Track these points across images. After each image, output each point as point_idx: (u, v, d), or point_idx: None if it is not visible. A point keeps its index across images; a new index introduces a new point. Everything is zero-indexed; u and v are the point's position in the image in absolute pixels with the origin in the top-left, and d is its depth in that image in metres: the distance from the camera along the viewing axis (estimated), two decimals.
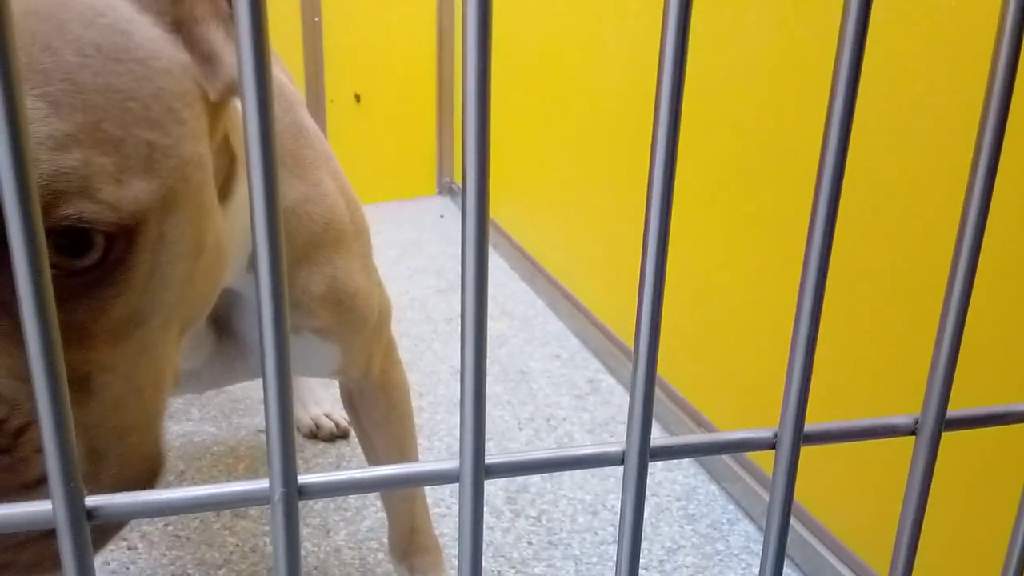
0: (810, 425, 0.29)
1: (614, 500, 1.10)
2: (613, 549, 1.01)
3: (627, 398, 1.35)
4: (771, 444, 0.29)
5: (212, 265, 0.46)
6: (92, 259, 0.37)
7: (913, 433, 0.30)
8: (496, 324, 1.65)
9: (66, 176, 0.35)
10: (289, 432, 0.23)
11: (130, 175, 0.38)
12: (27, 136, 0.19)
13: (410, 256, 2.05)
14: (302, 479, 0.24)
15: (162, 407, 0.44)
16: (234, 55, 0.45)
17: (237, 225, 0.53)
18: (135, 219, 0.38)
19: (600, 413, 1.31)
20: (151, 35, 0.42)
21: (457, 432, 1.25)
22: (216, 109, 0.46)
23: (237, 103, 0.50)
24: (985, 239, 0.28)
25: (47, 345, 0.21)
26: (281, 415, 0.23)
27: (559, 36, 1.65)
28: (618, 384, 1.41)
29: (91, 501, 0.23)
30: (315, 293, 0.62)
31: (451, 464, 0.26)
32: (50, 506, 0.22)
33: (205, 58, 0.44)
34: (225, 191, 0.51)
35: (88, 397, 0.39)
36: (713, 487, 1.13)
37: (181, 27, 0.44)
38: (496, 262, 2.03)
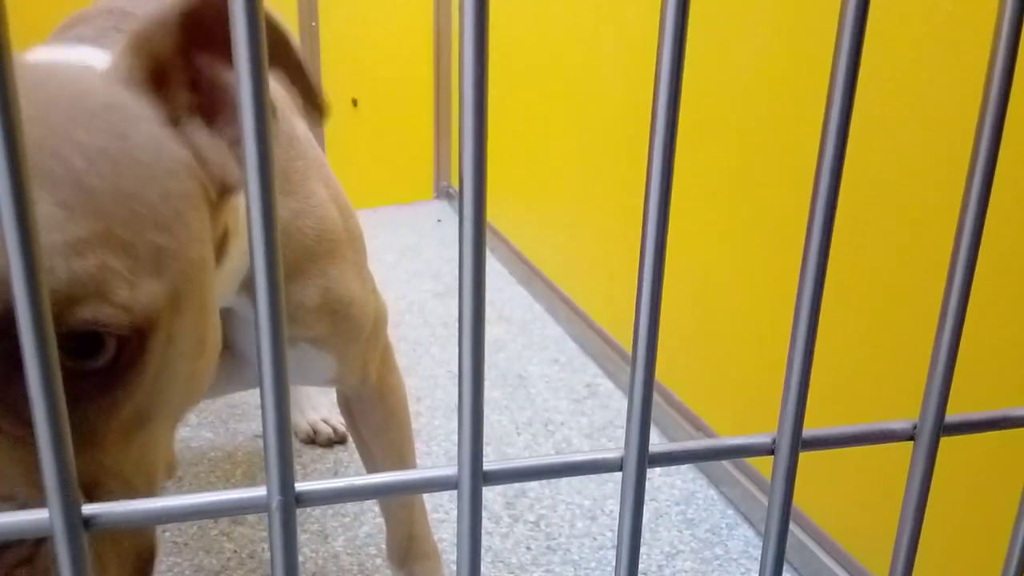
0: (809, 430, 0.29)
1: (612, 505, 1.10)
2: (612, 554, 1.01)
3: (625, 402, 1.35)
4: (770, 449, 0.28)
5: (211, 361, 0.47)
6: (104, 360, 0.37)
7: (911, 438, 0.30)
8: (494, 328, 1.65)
9: (82, 281, 0.35)
10: (287, 440, 0.23)
11: (141, 278, 0.38)
12: (39, 244, 0.20)
13: (407, 260, 2.05)
14: (300, 487, 0.24)
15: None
16: (219, 155, 0.45)
17: (232, 261, 0.53)
18: (147, 321, 0.38)
19: (598, 417, 1.31)
20: (151, 132, 0.41)
21: (455, 437, 1.25)
22: (217, 206, 0.46)
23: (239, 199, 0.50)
24: (983, 242, 0.28)
25: (43, 349, 0.21)
26: (279, 426, 0.23)
27: (556, 40, 1.65)
28: (616, 388, 1.41)
29: (88, 509, 0.23)
30: (310, 305, 0.62)
31: (449, 471, 0.26)
32: (47, 514, 0.22)
33: (198, 157, 0.44)
34: (217, 258, 0.50)
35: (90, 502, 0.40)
36: (712, 492, 1.13)
37: (177, 123, 0.44)
38: (494, 266, 2.03)
